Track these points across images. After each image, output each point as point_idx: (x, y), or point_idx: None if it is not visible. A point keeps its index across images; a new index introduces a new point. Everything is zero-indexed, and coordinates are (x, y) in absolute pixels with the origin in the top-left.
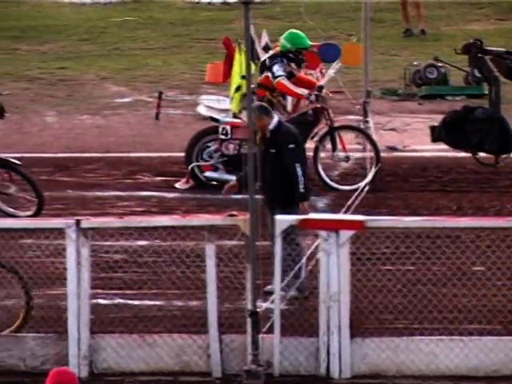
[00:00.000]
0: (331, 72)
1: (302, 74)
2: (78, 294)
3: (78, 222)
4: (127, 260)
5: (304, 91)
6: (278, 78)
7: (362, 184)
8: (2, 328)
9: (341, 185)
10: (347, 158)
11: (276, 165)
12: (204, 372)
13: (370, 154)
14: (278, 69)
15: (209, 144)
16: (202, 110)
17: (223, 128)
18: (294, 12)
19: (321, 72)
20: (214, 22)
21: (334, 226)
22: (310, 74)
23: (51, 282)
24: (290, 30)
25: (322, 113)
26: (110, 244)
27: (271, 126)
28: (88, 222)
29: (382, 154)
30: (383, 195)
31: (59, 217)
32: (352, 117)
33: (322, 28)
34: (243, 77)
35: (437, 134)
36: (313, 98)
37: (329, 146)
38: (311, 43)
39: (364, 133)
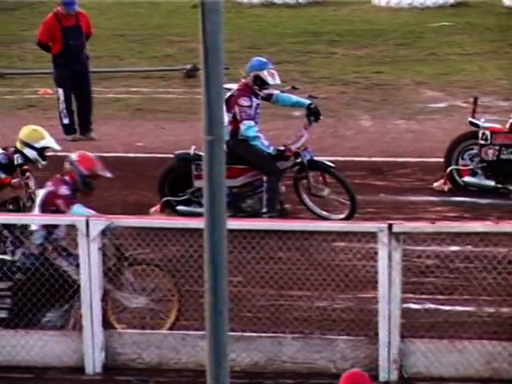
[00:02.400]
0: None
1: None
2: (389, 298)
3: (390, 226)
4: (439, 265)
5: None
6: None
7: None
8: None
9: None
10: None
11: None
12: None
13: None
14: None
15: (469, 148)
16: None
17: (483, 133)
18: None
19: None
20: None
21: None
22: None
23: (362, 285)
24: None
25: None
26: (422, 249)
27: None
28: (400, 227)
29: None
30: None
31: (372, 220)
32: None
33: None
34: None
35: None
36: None
37: None
38: None
39: None
